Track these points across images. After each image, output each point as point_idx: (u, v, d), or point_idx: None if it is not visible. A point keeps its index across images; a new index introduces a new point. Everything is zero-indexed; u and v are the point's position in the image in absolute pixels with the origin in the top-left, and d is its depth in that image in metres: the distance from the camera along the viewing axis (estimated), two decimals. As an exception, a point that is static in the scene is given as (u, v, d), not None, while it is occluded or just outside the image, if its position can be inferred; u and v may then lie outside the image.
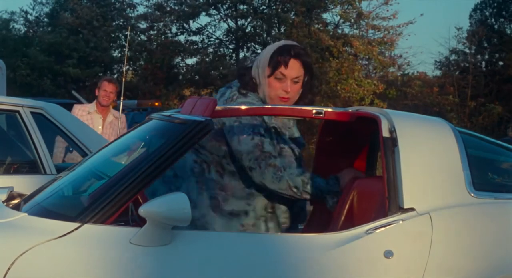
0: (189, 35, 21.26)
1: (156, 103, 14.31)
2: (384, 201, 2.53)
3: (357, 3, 19.36)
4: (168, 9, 20.69)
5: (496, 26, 23.38)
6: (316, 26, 18.93)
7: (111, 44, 21.49)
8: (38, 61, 19.54)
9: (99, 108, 6.30)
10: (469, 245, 2.52)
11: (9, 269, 2.23)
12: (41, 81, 19.42)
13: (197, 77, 20.83)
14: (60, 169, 4.41)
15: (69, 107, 6.18)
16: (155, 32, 20.84)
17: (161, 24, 20.80)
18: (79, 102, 9.75)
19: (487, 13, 23.80)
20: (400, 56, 21.17)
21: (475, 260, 2.51)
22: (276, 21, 20.33)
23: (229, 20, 21.18)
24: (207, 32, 21.29)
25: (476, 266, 2.49)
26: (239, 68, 3.22)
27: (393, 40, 19.70)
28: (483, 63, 23.17)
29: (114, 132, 6.25)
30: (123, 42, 21.52)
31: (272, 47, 2.97)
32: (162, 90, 20.12)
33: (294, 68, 2.93)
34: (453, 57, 22.75)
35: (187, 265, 2.34)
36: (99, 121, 6.22)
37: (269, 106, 2.84)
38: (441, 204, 2.52)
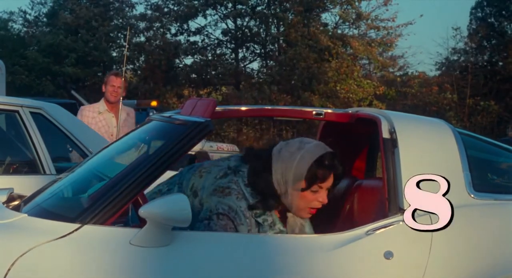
0: (189, 35, 21.28)
1: (154, 103, 14.29)
2: (384, 202, 2.53)
3: (357, 3, 19.37)
4: (166, 9, 20.71)
5: (496, 26, 23.38)
6: (314, 28, 18.92)
7: (110, 44, 21.49)
8: (36, 63, 19.54)
9: (109, 106, 5.80)
10: (469, 246, 2.52)
11: (9, 270, 2.23)
12: (39, 82, 19.42)
13: (194, 75, 20.84)
14: (59, 169, 4.41)
15: (68, 107, 6.17)
16: (154, 32, 20.85)
17: (160, 24, 20.81)
18: (79, 102, 9.75)
19: (488, 12, 23.79)
20: (402, 56, 21.20)
21: (475, 260, 2.51)
22: (274, 21, 20.33)
23: (227, 20, 21.18)
24: (206, 32, 21.31)
25: (476, 267, 2.49)
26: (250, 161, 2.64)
27: (392, 41, 19.73)
28: (483, 62, 23.17)
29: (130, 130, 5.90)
30: (122, 42, 21.53)
31: (306, 158, 2.54)
32: (161, 90, 20.13)
33: (331, 178, 2.60)
34: (453, 57, 22.76)
35: (187, 266, 2.34)
36: (112, 121, 5.74)
37: (270, 107, 2.85)
38: (441, 205, 2.52)
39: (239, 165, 2.63)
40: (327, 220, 3.09)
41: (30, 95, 10.40)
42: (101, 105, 5.81)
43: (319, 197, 2.56)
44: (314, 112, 2.87)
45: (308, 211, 2.59)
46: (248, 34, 20.73)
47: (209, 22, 21.02)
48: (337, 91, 18.18)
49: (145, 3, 21.18)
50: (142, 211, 2.28)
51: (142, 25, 21.16)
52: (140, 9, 22.15)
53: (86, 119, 5.65)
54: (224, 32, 21.08)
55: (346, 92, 18.12)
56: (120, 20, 21.68)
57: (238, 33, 20.80)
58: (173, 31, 21.21)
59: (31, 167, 4.57)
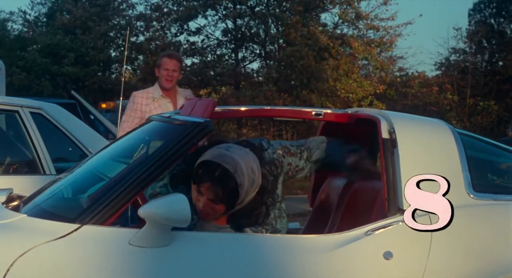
0: (189, 35, 21.28)
1: None
2: (383, 202, 2.53)
3: (356, 3, 19.38)
4: (166, 10, 20.71)
5: (496, 26, 23.38)
6: (313, 27, 18.93)
7: (109, 43, 21.48)
8: (35, 63, 19.56)
9: (164, 91, 4.99)
10: (469, 246, 2.52)
11: (8, 270, 2.23)
12: (38, 82, 19.42)
13: (193, 77, 20.84)
14: (59, 169, 4.41)
15: (68, 107, 6.17)
16: (153, 32, 20.85)
17: (159, 25, 20.81)
18: (79, 102, 9.74)
19: (487, 13, 23.80)
20: (401, 57, 21.20)
21: (474, 261, 2.51)
22: (274, 21, 20.34)
23: (227, 21, 21.19)
24: (206, 33, 21.31)
25: (475, 267, 2.49)
26: None
27: (392, 41, 19.73)
28: (483, 63, 23.18)
29: None
30: (121, 42, 21.53)
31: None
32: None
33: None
34: (453, 57, 22.77)
35: (186, 266, 2.34)
36: (168, 107, 4.92)
37: (269, 108, 2.85)
38: (440, 205, 2.52)
39: None
40: (326, 220, 3.09)
41: (29, 96, 10.42)
42: (155, 90, 5.02)
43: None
44: (313, 112, 2.87)
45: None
46: (248, 34, 20.72)
47: (209, 23, 21.03)
48: (337, 90, 18.18)
49: (145, 3, 21.19)
50: (142, 211, 2.28)
51: (141, 25, 21.15)
52: (140, 9, 22.12)
53: (139, 106, 4.94)
54: (224, 32, 21.09)
55: (346, 92, 18.11)
56: (118, 20, 21.67)
57: (237, 33, 20.80)
58: (173, 31, 21.21)
59: (31, 167, 4.58)
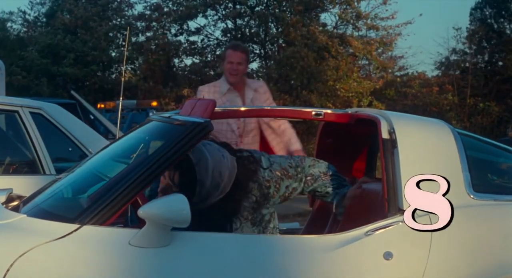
0: (189, 36, 21.28)
1: (154, 103, 14.30)
2: (383, 202, 2.53)
3: (356, 3, 19.37)
4: (166, 9, 20.71)
5: (496, 26, 23.37)
6: (314, 27, 18.93)
7: (109, 43, 21.49)
8: (34, 64, 19.57)
9: (232, 85, 4.57)
10: (469, 247, 2.52)
11: (8, 270, 2.23)
12: (38, 82, 19.43)
13: (193, 76, 20.85)
14: (59, 169, 4.41)
15: (68, 107, 6.16)
16: (153, 32, 20.86)
17: (159, 25, 20.82)
18: (79, 102, 9.74)
19: (487, 13, 23.79)
20: (402, 56, 21.20)
21: (474, 261, 2.51)
22: (273, 21, 20.34)
23: (227, 21, 21.19)
24: (206, 32, 21.31)
25: (475, 267, 2.49)
26: None
27: (392, 41, 19.73)
28: (483, 63, 23.17)
29: None
30: (121, 42, 21.55)
31: None
32: (161, 91, 20.14)
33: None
34: (453, 57, 22.77)
35: (186, 266, 2.34)
36: (237, 101, 4.51)
37: (269, 108, 2.84)
38: (440, 205, 2.52)
39: None
40: (326, 220, 3.09)
41: (29, 96, 10.41)
42: (222, 84, 4.61)
43: None
44: (313, 112, 2.87)
45: None
46: (247, 34, 20.72)
47: (208, 22, 21.04)
48: (337, 90, 18.17)
49: (144, 3, 21.19)
50: (142, 212, 2.28)
51: (141, 25, 21.15)
52: (139, 8, 22.15)
53: None
54: (224, 32, 21.09)
55: (345, 91, 18.11)
56: (119, 19, 21.68)
57: (237, 33, 20.80)
58: (173, 31, 21.21)
59: (30, 167, 4.57)
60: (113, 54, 21.63)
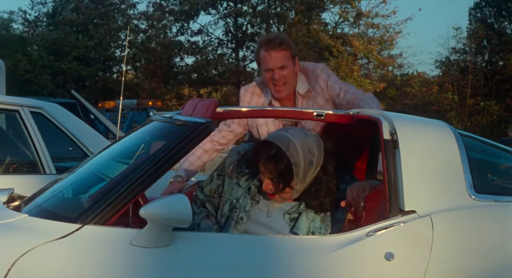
0: (191, 36, 21.30)
1: (158, 103, 14.33)
2: (385, 203, 2.53)
3: (356, 2, 19.39)
4: (168, 9, 20.73)
5: (496, 26, 23.37)
6: (315, 26, 18.95)
7: (112, 43, 21.54)
8: (39, 58, 19.60)
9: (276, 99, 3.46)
10: (470, 248, 2.52)
11: (9, 270, 2.23)
12: (40, 78, 19.47)
13: (194, 75, 20.86)
14: (60, 169, 4.41)
15: (69, 107, 6.17)
16: (155, 31, 20.88)
17: (160, 25, 20.83)
18: (79, 102, 9.75)
19: (487, 13, 23.78)
20: (400, 54, 21.21)
21: (476, 262, 2.51)
22: (275, 20, 20.35)
23: (228, 20, 21.19)
24: (207, 32, 21.32)
25: (477, 269, 2.49)
26: None
27: (392, 39, 19.74)
28: (483, 62, 23.18)
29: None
30: (123, 42, 21.59)
31: None
32: (162, 90, 20.15)
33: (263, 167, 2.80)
34: (453, 56, 22.77)
35: (188, 267, 2.34)
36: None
37: (271, 108, 2.84)
38: (442, 206, 2.52)
39: None
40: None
41: (30, 92, 10.43)
42: (267, 94, 3.49)
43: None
44: (315, 113, 2.86)
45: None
46: (249, 33, 20.74)
47: (209, 22, 21.06)
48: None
49: (146, 2, 21.21)
50: (143, 212, 2.28)
51: (143, 25, 21.18)
52: (141, 8, 22.18)
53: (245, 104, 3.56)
54: (225, 32, 21.10)
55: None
56: (121, 18, 21.71)
57: (238, 32, 20.81)
58: (174, 30, 21.23)
59: (31, 167, 4.58)
60: (116, 54, 21.68)
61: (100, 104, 14.39)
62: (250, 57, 21.81)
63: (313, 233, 2.70)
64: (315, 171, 2.68)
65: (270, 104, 3.39)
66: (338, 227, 2.73)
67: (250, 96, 3.51)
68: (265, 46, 3.31)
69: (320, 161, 2.68)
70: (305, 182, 2.67)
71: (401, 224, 2.45)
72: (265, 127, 3.40)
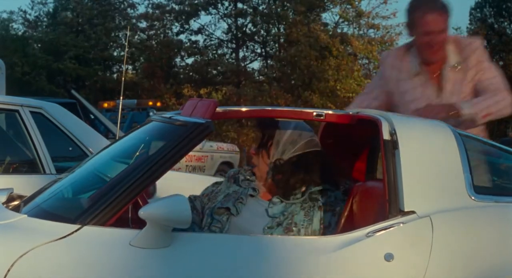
0: (191, 35, 21.31)
1: (157, 103, 14.34)
2: (384, 203, 2.52)
3: (356, 2, 19.41)
4: (168, 8, 20.74)
5: (496, 26, 23.38)
6: (316, 26, 18.96)
7: (111, 43, 21.56)
8: (37, 58, 19.62)
9: (425, 65, 3.27)
10: (470, 248, 2.51)
11: (8, 270, 2.23)
12: (39, 79, 19.48)
13: (195, 75, 20.87)
14: (60, 169, 4.41)
15: (69, 107, 6.17)
16: (155, 31, 20.91)
17: (160, 24, 20.85)
18: (79, 102, 9.75)
19: (487, 13, 23.80)
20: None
21: (475, 263, 2.50)
22: (275, 20, 20.37)
23: (228, 19, 21.21)
24: (207, 32, 21.33)
25: (477, 270, 2.48)
26: None
27: (392, 40, 19.75)
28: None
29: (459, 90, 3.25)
30: (123, 42, 21.61)
31: None
32: (162, 90, 20.16)
33: None
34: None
35: (187, 267, 2.34)
36: (432, 90, 3.31)
37: (270, 108, 2.84)
38: (441, 207, 2.52)
39: None
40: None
41: (29, 93, 10.43)
42: (413, 59, 3.27)
43: None
44: (314, 113, 2.86)
45: None
46: (249, 32, 20.75)
47: (210, 21, 21.09)
48: (337, 90, 18.19)
49: (147, 2, 21.24)
50: (142, 212, 2.28)
51: (143, 24, 21.19)
52: (141, 9, 22.22)
53: (389, 81, 3.40)
54: (228, 30, 21.12)
55: (346, 91, 18.13)
56: (121, 19, 21.73)
57: (238, 32, 20.82)
58: (174, 30, 21.25)
59: (31, 167, 4.58)
60: (115, 54, 21.70)
61: (105, 105, 14.37)
62: (250, 57, 21.85)
63: (296, 224, 2.73)
64: (295, 153, 2.84)
65: (419, 74, 3.22)
66: (332, 221, 2.80)
67: (392, 62, 3.34)
68: (424, 7, 3.05)
69: (302, 148, 2.85)
70: (283, 157, 2.82)
71: (401, 225, 2.45)
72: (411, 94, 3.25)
